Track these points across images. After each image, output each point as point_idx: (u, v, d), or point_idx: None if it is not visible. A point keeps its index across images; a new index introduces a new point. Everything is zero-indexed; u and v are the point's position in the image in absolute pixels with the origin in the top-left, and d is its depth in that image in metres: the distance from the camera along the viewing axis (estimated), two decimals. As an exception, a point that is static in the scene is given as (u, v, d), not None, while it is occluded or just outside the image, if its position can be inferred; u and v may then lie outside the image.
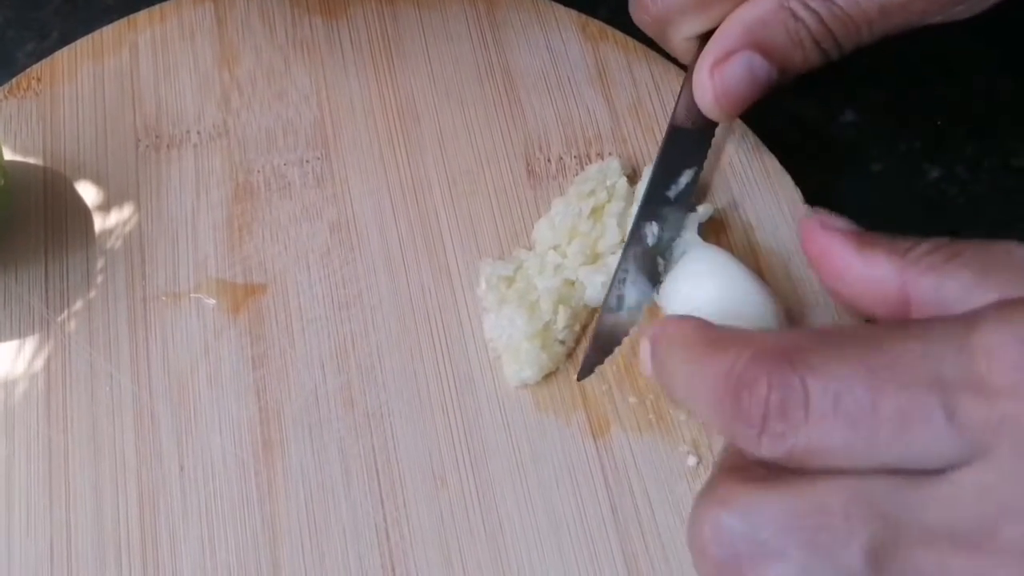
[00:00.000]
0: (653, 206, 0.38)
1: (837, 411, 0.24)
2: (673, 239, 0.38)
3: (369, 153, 0.42)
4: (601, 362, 0.38)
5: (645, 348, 0.30)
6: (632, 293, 0.38)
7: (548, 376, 0.38)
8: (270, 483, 0.37)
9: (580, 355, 0.39)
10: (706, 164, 0.39)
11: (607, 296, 0.38)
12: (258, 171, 0.42)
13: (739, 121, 0.42)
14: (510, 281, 0.39)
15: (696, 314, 0.32)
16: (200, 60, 0.44)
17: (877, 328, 0.25)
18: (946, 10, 0.33)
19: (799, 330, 0.29)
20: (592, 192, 0.40)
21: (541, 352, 0.38)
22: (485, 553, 0.36)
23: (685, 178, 0.38)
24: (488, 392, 0.38)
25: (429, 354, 0.39)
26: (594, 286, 0.39)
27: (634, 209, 0.39)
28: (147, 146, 0.42)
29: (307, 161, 0.42)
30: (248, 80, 0.43)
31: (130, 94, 0.43)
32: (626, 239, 0.38)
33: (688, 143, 0.38)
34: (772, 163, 0.41)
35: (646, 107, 0.43)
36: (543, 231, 0.40)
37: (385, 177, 0.42)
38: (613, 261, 0.39)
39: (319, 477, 0.37)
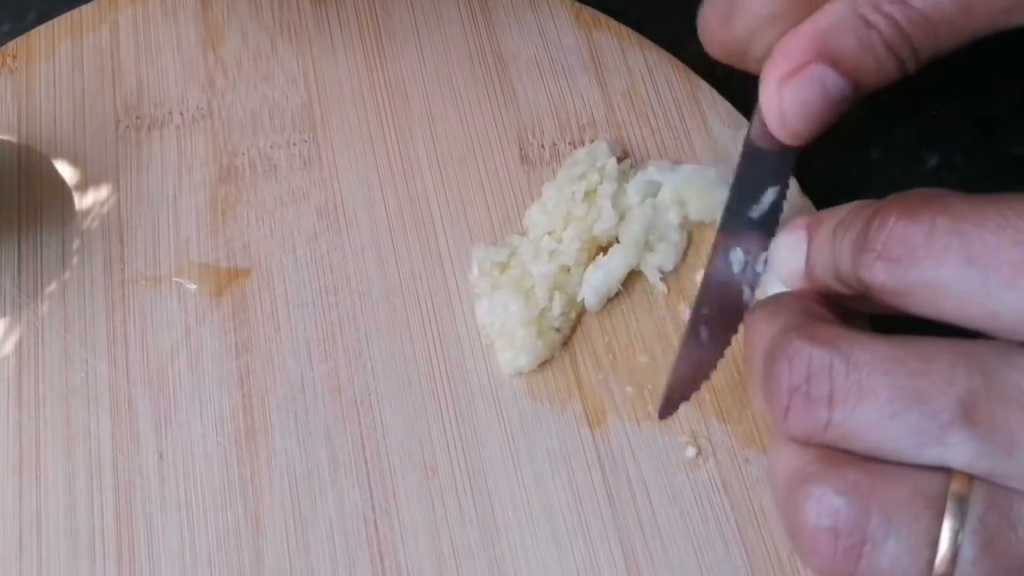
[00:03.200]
0: (735, 231, 0.34)
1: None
2: (763, 263, 0.34)
3: (358, 136, 0.41)
4: (687, 398, 0.33)
5: (794, 241, 0.32)
6: (717, 325, 0.34)
7: (543, 364, 0.37)
8: (253, 472, 0.35)
9: (577, 344, 0.38)
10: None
11: (689, 329, 0.33)
12: (243, 153, 0.40)
13: (735, 111, 0.42)
14: (503, 267, 0.38)
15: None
16: (184, 40, 0.43)
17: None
18: None
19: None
20: (583, 175, 0.39)
21: (536, 339, 0.36)
22: (478, 544, 0.34)
23: (769, 197, 0.34)
24: (481, 380, 0.37)
25: (420, 341, 0.37)
26: (592, 288, 0.38)
27: (629, 188, 0.39)
28: (127, 126, 0.41)
29: (294, 144, 0.41)
30: (233, 61, 0.42)
31: (110, 73, 0.42)
32: (705, 268, 0.34)
33: (767, 161, 0.34)
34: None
35: (640, 93, 0.42)
36: (536, 217, 0.39)
37: (374, 160, 0.40)
38: (613, 253, 0.38)
39: (305, 466, 0.35)
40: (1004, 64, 0.44)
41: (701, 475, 0.36)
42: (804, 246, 0.31)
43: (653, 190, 0.39)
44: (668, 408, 0.34)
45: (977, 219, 0.24)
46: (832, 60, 0.30)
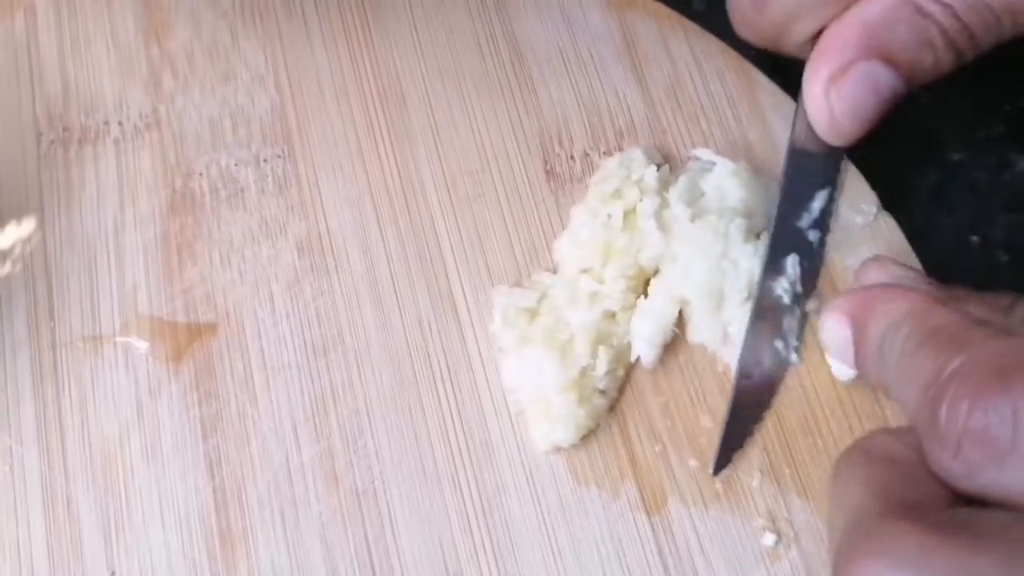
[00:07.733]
0: (782, 255, 0.32)
1: None
2: (815, 281, 0.32)
3: (344, 149, 0.34)
4: (742, 445, 0.32)
5: (838, 328, 0.28)
6: (769, 357, 0.32)
7: (587, 436, 0.31)
8: (232, 589, 0.29)
9: (626, 408, 0.31)
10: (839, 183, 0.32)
11: (740, 363, 0.32)
12: (200, 174, 0.34)
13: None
14: (533, 314, 0.32)
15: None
16: (120, 30, 0.36)
17: None
18: None
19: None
20: (617, 192, 0.32)
21: (577, 407, 0.31)
22: (518, 673, 0.28)
23: (819, 202, 0.31)
24: (511, 460, 0.31)
25: (433, 411, 0.31)
26: (646, 341, 0.31)
27: (672, 196, 0.32)
28: (52, 141, 0.34)
29: (265, 160, 0.34)
30: (184, 56, 0.35)
31: (27, 73, 0.35)
32: (754, 295, 0.32)
33: (815, 165, 0.32)
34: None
35: (687, 89, 0.35)
36: (567, 250, 0.33)
37: (366, 180, 0.34)
38: (655, 291, 0.32)
39: (296, 579, 0.29)
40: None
41: (783, 567, 0.30)
42: (849, 333, 0.28)
43: (698, 194, 0.33)
44: (724, 461, 0.32)
45: None
46: (884, 55, 0.28)
